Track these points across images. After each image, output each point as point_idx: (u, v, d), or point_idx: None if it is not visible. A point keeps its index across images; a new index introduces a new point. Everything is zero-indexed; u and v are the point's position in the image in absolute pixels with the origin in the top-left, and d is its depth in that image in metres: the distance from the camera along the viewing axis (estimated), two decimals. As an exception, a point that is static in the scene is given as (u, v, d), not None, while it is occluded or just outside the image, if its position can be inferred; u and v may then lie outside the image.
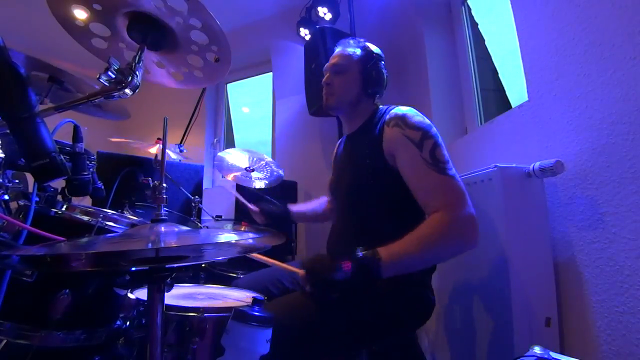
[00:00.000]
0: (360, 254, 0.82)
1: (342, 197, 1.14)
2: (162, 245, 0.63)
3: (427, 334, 1.63)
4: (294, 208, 1.41)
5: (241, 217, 2.13)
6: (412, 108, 0.99)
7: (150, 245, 0.61)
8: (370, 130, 1.03)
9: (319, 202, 1.45)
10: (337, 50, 1.13)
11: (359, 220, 1.05)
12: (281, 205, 1.41)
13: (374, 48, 1.11)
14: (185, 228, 0.70)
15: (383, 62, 1.10)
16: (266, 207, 1.39)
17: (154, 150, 2.12)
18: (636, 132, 0.91)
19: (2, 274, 0.74)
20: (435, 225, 0.84)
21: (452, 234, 0.84)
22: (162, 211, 0.70)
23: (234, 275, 1.67)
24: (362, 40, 1.13)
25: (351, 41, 1.13)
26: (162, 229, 0.67)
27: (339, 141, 1.32)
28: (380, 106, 1.11)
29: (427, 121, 0.96)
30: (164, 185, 0.71)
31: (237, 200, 2.20)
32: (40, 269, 0.82)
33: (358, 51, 1.09)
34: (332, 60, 1.12)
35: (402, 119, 0.95)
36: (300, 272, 0.86)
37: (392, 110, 1.00)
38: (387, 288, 0.93)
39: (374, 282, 0.82)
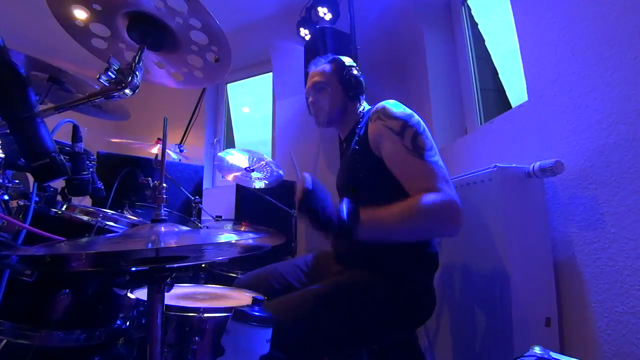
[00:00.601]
0: (344, 210, 0.83)
1: (342, 196, 1.15)
2: (162, 245, 0.63)
3: (427, 334, 1.63)
4: None
5: (241, 217, 2.13)
6: (395, 101, 1.02)
7: (150, 245, 0.61)
8: (358, 130, 1.08)
9: None
10: (311, 70, 1.20)
11: None
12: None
13: (345, 58, 1.18)
14: (185, 228, 0.70)
15: (356, 67, 1.17)
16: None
17: (155, 150, 2.12)
18: (636, 132, 0.91)
19: (1, 273, 0.74)
20: (417, 201, 0.84)
21: (432, 211, 0.83)
22: (162, 211, 0.70)
23: (234, 275, 1.67)
24: (330, 54, 1.21)
25: (322, 59, 1.20)
26: (162, 229, 0.67)
27: None
28: (368, 107, 1.15)
29: (408, 111, 0.98)
30: (164, 185, 0.71)
31: (237, 201, 2.21)
32: (40, 269, 0.82)
33: (329, 65, 1.17)
34: (310, 81, 1.19)
35: (383, 111, 0.98)
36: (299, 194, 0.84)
37: (375, 106, 1.03)
38: (389, 286, 0.94)
39: (349, 236, 0.82)
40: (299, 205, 0.82)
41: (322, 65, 1.18)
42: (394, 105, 0.99)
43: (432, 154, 0.91)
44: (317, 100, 1.17)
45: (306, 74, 2.24)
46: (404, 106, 1.00)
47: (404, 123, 0.94)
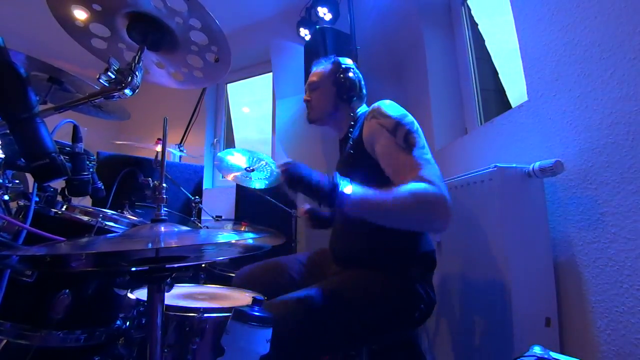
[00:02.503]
0: (336, 176, 0.81)
1: None
2: (162, 245, 0.63)
3: (427, 334, 1.63)
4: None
5: (241, 217, 2.13)
6: (390, 101, 1.02)
7: (150, 245, 0.61)
8: (352, 133, 1.09)
9: None
10: (312, 70, 1.24)
11: (355, 220, 1.06)
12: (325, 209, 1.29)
13: (344, 60, 1.21)
14: (185, 228, 0.70)
15: (353, 70, 1.19)
16: (314, 211, 1.30)
17: (159, 148, 2.13)
18: (636, 132, 0.91)
19: (1, 273, 0.74)
20: (411, 188, 0.80)
21: (423, 201, 0.79)
22: (162, 211, 0.70)
23: (234, 275, 1.67)
24: (332, 56, 1.24)
25: (323, 60, 1.24)
26: (162, 228, 0.67)
27: None
28: (366, 109, 1.16)
29: (402, 111, 0.98)
30: (164, 185, 0.71)
31: (237, 201, 2.21)
32: (41, 269, 0.82)
33: (328, 66, 1.20)
34: (309, 80, 1.23)
35: (377, 110, 0.99)
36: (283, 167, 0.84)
37: (371, 106, 1.04)
38: (387, 285, 0.94)
39: (333, 205, 0.79)
40: (286, 177, 0.80)
41: (320, 66, 1.22)
42: (388, 105, 1.00)
43: (424, 152, 0.89)
44: (310, 98, 1.22)
45: (306, 74, 2.26)
46: (399, 106, 1.01)
47: (397, 122, 0.94)
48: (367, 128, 1.00)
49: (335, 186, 0.78)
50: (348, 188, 0.79)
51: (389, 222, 0.84)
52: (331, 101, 1.17)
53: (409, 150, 0.89)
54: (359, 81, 1.18)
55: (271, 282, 1.12)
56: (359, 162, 1.02)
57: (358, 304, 0.92)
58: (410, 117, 0.97)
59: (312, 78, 1.22)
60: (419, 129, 0.95)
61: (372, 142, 0.98)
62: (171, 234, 0.66)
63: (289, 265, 1.19)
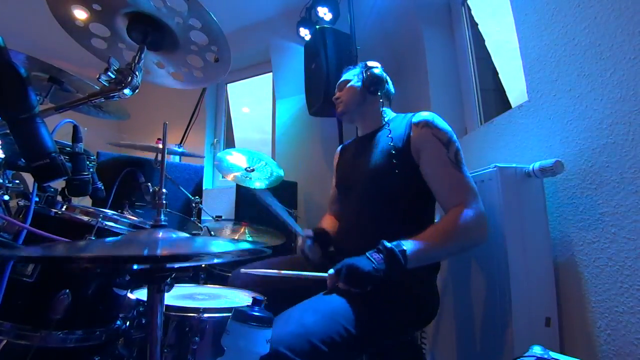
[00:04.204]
0: (387, 244, 0.86)
1: (357, 195, 1.16)
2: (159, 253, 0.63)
3: (427, 334, 1.63)
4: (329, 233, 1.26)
5: (241, 217, 2.13)
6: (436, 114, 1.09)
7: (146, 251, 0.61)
8: (393, 130, 1.11)
9: (330, 220, 1.35)
10: (342, 77, 1.31)
11: (374, 218, 1.08)
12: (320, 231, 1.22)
13: (371, 63, 1.25)
14: (184, 235, 0.68)
15: (379, 68, 1.22)
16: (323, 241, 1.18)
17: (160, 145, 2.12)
18: (636, 132, 0.91)
19: (1, 273, 0.74)
20: (456, 219, 0.93)
21: (470, 227, 0.93)
22: (162, 217, 0.69)
23: (230, 274, 1.67)
24: (362, 62, 1.29)
25: (352, 67, 1.31)
26: (160, 234, 0.65)
27: (341, 146, 1.38)
28: (396, 113, 1.21)
29: (449, 127, 1.06)
30: (164, 190, 0.69)
31: (237, 201, 2.21)
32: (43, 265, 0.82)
33: (357, 67, 1.27)
34: (339, 82, 1.30)
35: (432, 121, 1.06)
36: (328, 274, 0.90)
37: (419, 114, 1.09)
38: (395, 287, 0.94)
39: (401, 274, 0.85)
40: (346, 283, 0.86)
41: (351, 70, 1.29)
42: (439, 118, 1.07)
43: (467, 170, 1.00)
44: (339, 96, 1.27)
45: (306, 74, 2.27)
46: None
47: (450, 137, 1.03)
48: (419, 134, 1.04)
49: (396, 258, 0.85)
50: (405, 252, 0.86)
51: (445, 258, 1.00)
52: (359, 94, 1.22)
53: (458, 168, 0.99)
54: (385, 78, 1.21)
55: (267, 287, 1.10)
56: (399, 160, 1.05)
57: (368, 306, 0.91)
58: (455, 135, 1.05)
59: (342, 78, 1.28)
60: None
61: (419, 148, 1.03)
62: (169, 240, 0.65)
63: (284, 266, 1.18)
